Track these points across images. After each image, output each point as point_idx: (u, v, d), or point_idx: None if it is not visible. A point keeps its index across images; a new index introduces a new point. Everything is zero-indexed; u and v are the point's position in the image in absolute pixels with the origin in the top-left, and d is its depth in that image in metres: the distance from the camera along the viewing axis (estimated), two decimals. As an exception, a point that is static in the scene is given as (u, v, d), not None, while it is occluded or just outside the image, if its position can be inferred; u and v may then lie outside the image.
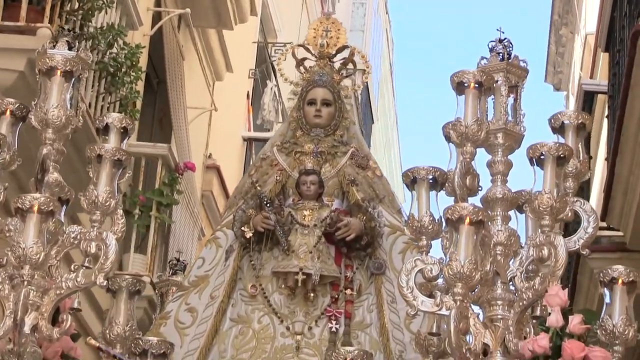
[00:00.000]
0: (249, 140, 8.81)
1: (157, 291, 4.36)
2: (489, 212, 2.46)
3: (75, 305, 2.47)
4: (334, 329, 3.22)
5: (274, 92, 8.91)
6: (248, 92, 9.10)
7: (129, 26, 5.16)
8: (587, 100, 6.45)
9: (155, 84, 6.55)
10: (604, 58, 6.93)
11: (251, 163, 5.95)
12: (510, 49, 2.67)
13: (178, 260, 4.65)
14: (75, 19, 4.30)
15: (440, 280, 2.44)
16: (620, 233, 3.75)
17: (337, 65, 3.69)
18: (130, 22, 5.21)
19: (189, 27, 6.86)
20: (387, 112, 17.43)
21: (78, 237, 2.37)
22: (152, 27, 6.21)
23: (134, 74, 4.95)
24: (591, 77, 8.07)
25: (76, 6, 4.28)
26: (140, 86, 5.47)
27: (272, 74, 8.85)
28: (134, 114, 3.91)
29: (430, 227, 2.42)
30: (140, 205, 5.48)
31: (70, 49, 2.46)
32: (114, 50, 4.75)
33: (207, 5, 6.68)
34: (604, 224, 2.84)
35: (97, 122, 2.84)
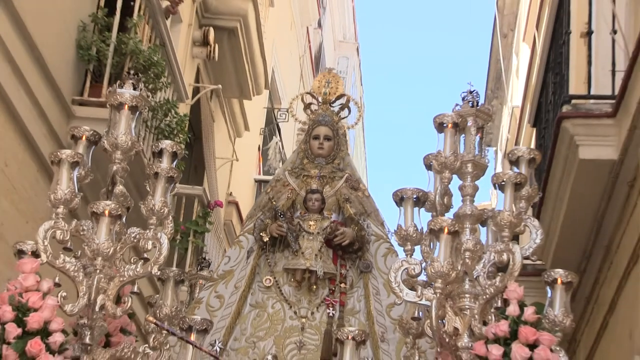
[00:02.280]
0: (259, 182, 10.59)
1: (187, 283, 5.05)
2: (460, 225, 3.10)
3: (135, 289, 3.08)
4: (331, 314, 3.88)
5: (278, 145, 11.12)
6: (259, 145, 11.10)
7: (179, 99, 6.26)
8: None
9: (192, 140, 7.76)
10: (527, 129, 8.29)
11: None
12: (478, 98, 3.39)
13: (204, 259, 5.78)
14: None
15: (420, 278, 3.08)
16: (543, 262, 4.48)
17: (336, 109, 4.42)
18: (180, 97, 6.34)
19: (219, 98, 8.66)
20: (359, 158, 18.88)
21: (137, 236, 2.99)
22: (192, 98, 7.48)
23: (182, 135, 6.06)
24: (516, 143, 9.59)
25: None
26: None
27: (277, 131, 11.24)
28: (180, 166, 4.67)
29: (414, 235, 3.06)
30: (180, 232, 6.56)
31: (134, 89, 3.12)
32: (168, 118, 5.83)
33: (233, 82, 8.47)
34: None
35: (152, 147, 3.49)
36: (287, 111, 8.11)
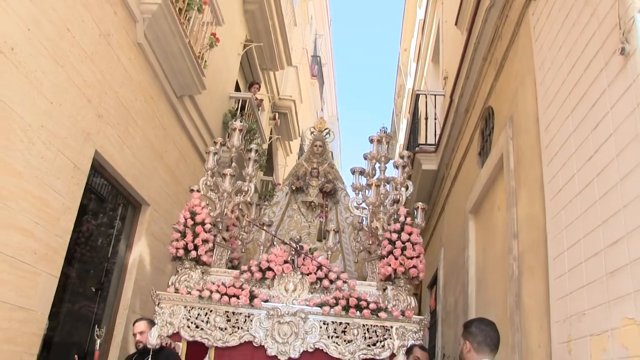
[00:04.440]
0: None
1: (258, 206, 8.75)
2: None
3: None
4: (322, 220, 7.56)
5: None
6: (296, 158, 19.00)
7: (262, 142, 12.13)
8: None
9: (268, 158, 14.95)
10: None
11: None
12: (387, 131, 7.58)
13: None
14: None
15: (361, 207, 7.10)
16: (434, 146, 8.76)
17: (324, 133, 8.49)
18: (263, 140, 12.10)
19: (280, 140, 17.27)
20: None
21: (240, 184, 7.08)
22: (269, 141, 14.54)
23: (264, 157, 11.35)
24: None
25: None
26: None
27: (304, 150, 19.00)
28: (262, 165, 9.57)
29: (359, 187, 7.16)
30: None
31: (241, 121, 7.26)
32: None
33: (285, 133, 17.19)
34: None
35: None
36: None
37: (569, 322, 3.55)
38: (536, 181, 4.47)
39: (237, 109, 11.22)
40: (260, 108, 13.14)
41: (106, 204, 7.25)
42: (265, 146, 13.37)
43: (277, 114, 16.15)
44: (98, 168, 6.57)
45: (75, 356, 6.28)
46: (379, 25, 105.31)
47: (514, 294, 4.86)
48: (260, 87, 13.30)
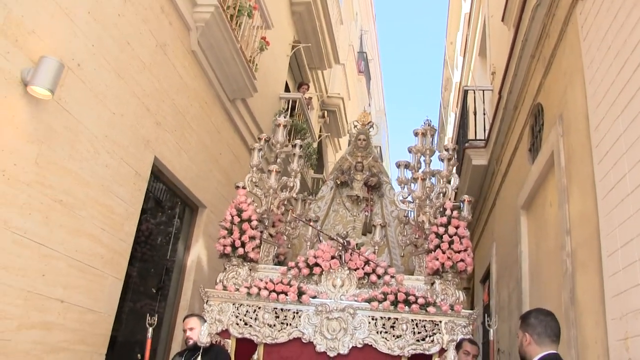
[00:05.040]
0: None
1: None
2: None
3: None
4: (367, 214, 7.57)
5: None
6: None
7: (313, 140, 12.35)
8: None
9: (319, 155, 15.22)
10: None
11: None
12: (432, 124, 7.64)
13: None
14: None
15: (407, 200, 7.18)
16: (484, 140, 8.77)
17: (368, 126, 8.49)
18: (314, 139, 12.44)
19: (329, 138, 17.70)
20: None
21: (286, 180, 7.25)
22: (319, 138, 14.87)
23: (315, 155, 11.41)
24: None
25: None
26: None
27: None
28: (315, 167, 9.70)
29: (405, 181, 7.24)
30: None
31: (285, 117, 7.42)
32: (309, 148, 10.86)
33: (334, 130, 17.59)
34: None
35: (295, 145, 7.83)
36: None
37: (625, 320, 3.60)
38: (588, 179, 4.51)
39: (288, 109, 11.46)
40: (309, 107, 13.34)
41: (165, 207, 7.53)
42: (315, 145, 13.52)
43: (325, 111, 16.36)
44: (157, 173, 6.84)
45: (139, 355, 6.53)
46: (424, 19, 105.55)
47: (568, 290, 4.91)
48: (308, 87, 13.51)
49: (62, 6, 4.80)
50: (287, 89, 12.65)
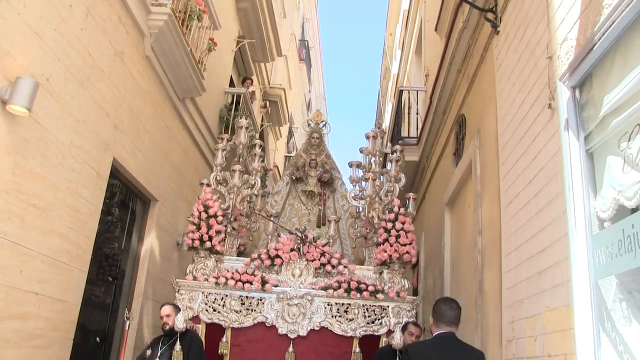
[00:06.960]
0: (286, 157, 20.54)
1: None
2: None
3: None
4: (320, 207, 8.26)
5: (294, 144, 22.46)
6: (286, 142, 21.00)
7: (254, 130, 12.55)
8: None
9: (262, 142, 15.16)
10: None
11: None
12: (380, 129, 8.41)
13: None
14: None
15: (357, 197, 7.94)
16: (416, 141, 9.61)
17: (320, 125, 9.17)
18: (255, 129, 12.71)
19: (270, 126, 18.21)
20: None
21: (248, 178, 7.89)
22: (260, 127, 15.59)
23: (259, 141, 11.37)
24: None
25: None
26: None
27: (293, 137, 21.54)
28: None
29: (356, 179, 7.96)
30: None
31: (246, 130, 8.06)
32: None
33: (275, 119, 18.21)
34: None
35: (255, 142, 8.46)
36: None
37: (513, 307, 4.48)
38: (495, 190, 5.35)
39: (232, 103, 12.01)
40: (252, 100, 13.93)
41: (121, 203, 8.06)
42: (257, 136, 14.04)
43: (267, 102, 16.98)
44: (115, 172, 7.37)
45: (97, 338, 7.12)
46: (366, 6, 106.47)
47: (477, 281, 5.79)
48: (252, 81, 14.11)
49: (32, 26, 5.28)
50: (231, 83, 13.21)
